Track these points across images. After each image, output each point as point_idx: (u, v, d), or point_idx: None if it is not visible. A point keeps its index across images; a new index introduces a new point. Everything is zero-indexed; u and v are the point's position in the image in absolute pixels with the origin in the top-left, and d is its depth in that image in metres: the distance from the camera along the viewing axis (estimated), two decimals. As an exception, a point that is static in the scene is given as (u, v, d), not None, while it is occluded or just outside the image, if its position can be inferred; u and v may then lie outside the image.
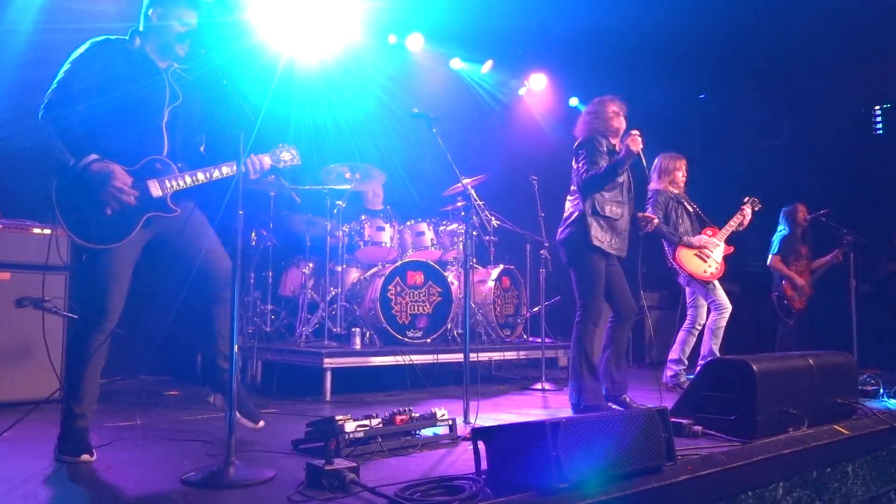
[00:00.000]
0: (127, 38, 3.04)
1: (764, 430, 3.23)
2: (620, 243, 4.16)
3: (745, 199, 5.46)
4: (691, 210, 5.31)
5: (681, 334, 5.26)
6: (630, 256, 4.27)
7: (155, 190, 2.94)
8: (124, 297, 2.96)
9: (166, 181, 2.97)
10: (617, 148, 4.18)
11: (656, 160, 5.35)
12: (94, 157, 2.79)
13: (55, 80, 2.87)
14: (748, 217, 5.36)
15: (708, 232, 5.26)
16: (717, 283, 5.15)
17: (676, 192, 5.32)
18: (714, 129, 9.35)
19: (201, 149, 3.29)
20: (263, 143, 3.16)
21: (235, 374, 2.67)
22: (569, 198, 4.27)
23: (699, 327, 5.20)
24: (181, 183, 3.00)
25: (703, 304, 5.20)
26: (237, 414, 3.19)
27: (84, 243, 2.84)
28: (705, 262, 5.11)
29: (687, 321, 5.28)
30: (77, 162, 2.77)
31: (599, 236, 4.05)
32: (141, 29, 3.07)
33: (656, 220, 4.34)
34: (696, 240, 5.17)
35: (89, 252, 2.87)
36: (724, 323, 5.09)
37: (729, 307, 5.09)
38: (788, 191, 6.53)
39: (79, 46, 2.95)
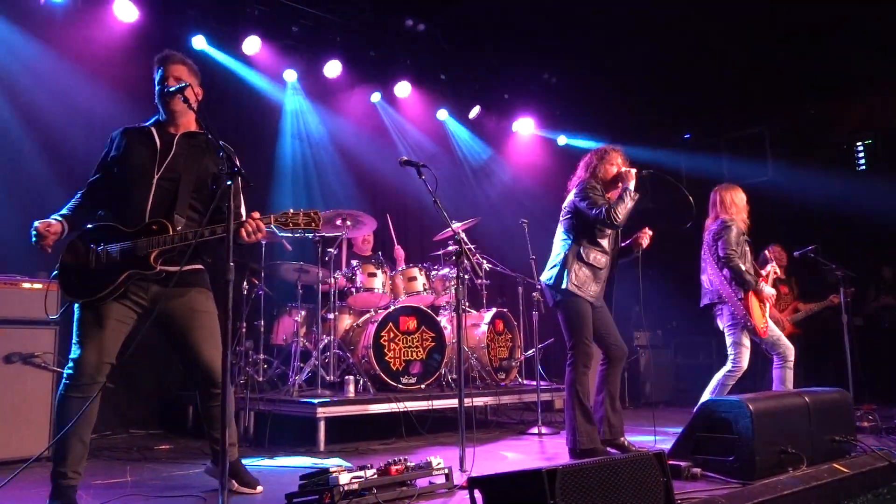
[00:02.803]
0: (150, 121, 3.20)
1: (763, 471, 3.21)
2: (598, 292, 4.15)
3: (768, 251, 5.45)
4: (750, 251, 5.03)
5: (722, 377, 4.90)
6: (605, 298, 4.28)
7: (140, 249, 2.94)
8: (105, 356, 2.91)
9: (153, 239, 2.94)
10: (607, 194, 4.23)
11: (715, 193, 5.07)
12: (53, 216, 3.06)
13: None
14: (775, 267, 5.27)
15: (763, 282, 5.00)
16: (776, 333, 4.93)
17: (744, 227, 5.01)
18: (699, 167, 9.47)
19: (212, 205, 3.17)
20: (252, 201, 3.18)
21: (229, 426, 2.64)
22: (557, 240, 4.29)
23: (739, 373, 4.85)
24: (167, 241, 2.93)
25: (748, 346, 4.89)
26: (235, 483, 3.21)
27: (71, 298, 2.99)
28: (763, 315, 4.87)
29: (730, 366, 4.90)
30: None
31: (577, 282, 4.06)
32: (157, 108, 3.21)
33: (649, 234, 4.19)
34: (768, 290, 4.89)
35: (72, 306, 2.98)
36: (733, 382, 4.93)
37: (743, 370, 4.89)
38: (774, 228, 6.60)
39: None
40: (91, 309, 2.93)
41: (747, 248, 4.98)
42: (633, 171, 4.12)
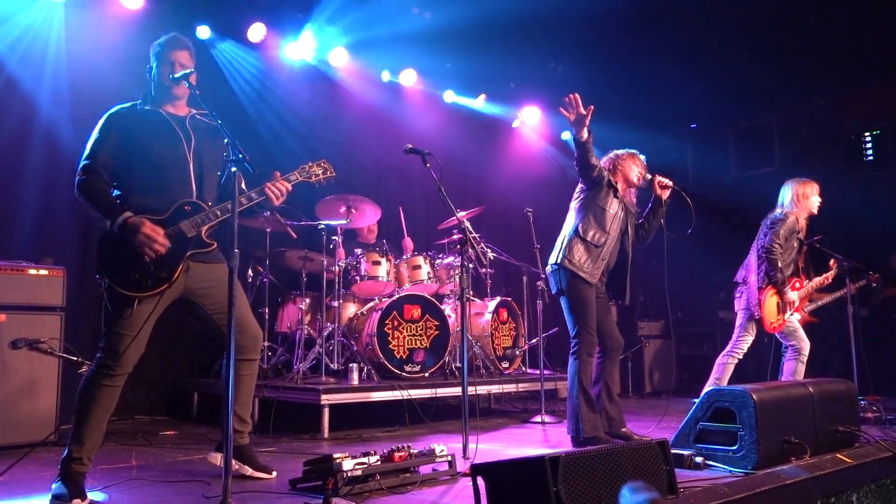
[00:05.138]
0: (139, 101, 3.16)
1: (766, 461, 3.21)
2: (594, 270, 4.12)
3: (833, 262, 5.29)
4: (798, 248, 5.07)
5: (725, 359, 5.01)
6: (620, 277, 4.30)
7: (189, 230, 3.01)
8: (142, 347, 2.97)
9: (197, 218, 3.04)
10: (621, 191, 4.25)
11: (787, 186, 5.12)
12: (127, 214, 2.89)
13: (82, 156, 3.01)
14: (830, 279, 5.24)
15: (797, 284, 5.06)
16: (755, 332, 4.99)
17: (805, 221, 5.06)
18: (706, 158, 9.43)
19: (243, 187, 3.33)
20: (258, 179, 3.20)
21: (232, 414, 2.65)
22: (565, 222, 4.33)
23: (737, 357, 4.93)
24: (212, 217, 3.07)
25: (752, 334, 4.99)
26: (249, 469, 3.25)
27: (130, 293, 2.88)
28: (778, 315, 4.92)
29: (730, 347, 5.03)
30: (113, 224, 2.88)
31: (570, 256, 4.08)
32: (151, 90, 3.18)
33: (661, 181, 4.23)
34: (791, 296, 4.94)
35: (120, 299, 2.88)
36: (734, 363, 4.96)
37: (742, 354, 4.95)
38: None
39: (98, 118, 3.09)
40: (145, 302, 2.91)
41: (794, 244, 5.02)
42: (639, 171, 4.26)
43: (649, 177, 4.28)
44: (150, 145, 3.04)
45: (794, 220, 4.98)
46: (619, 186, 4.25)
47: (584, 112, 3.87)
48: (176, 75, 3.09)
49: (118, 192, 3.01)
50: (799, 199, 5.05)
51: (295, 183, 3.29)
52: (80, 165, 2.99)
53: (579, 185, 4.30)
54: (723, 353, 5.03)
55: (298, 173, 3.33)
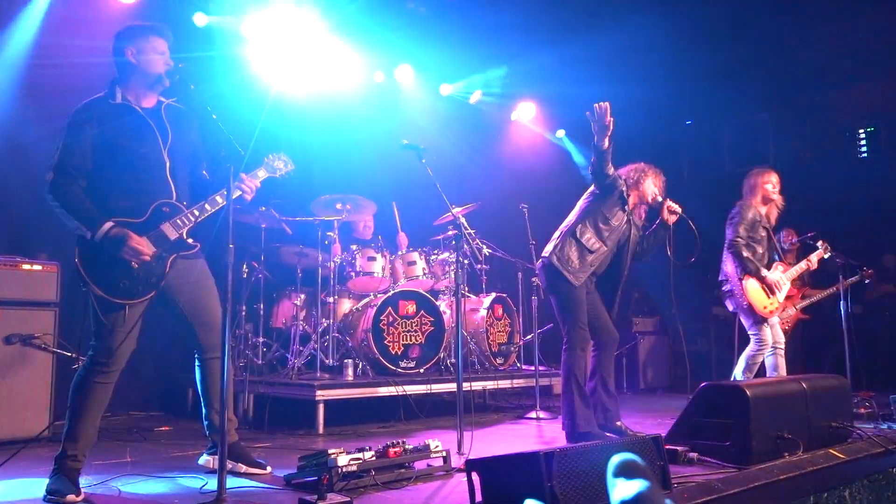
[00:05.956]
0: (106, 92, 3.06)
1: (759, 456, 3.22)
2: (580, 273, 4.08)
3: (821, 242, 5.29)
4: (768, 236, 5.07)
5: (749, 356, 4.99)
6: (610, 290, 4.29)
7: (171, 232, 3.00)
8: (134, 342, 2.97)
9: (178, 220, 3.02)
10: (630, 205, 4.24)
11: (745, 180, 5.16)
12: (109, 225, 2.85)
13: (53, 159, 2.91)
14: (815, 262, 5.23)
15: (780, 267, 5.06)
16: (773, 320, 4.98)
17: (767, 211, 5.07)
18: (701, 153, 9.45)
19: (204, 173, 3.31)
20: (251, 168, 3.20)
21: (229, 409, 2.65)
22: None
23: (765, 349, 4.93)
24: (192, 218, 3.05)
25: (768, 325, 4.96)
26: (243, 466, 3.26)
27: (122, 301, 2.88)
28: (769, 298, 4.91)
29: (753, 346, 4.99)
30: (94, 235, 2.84)
31: (559, 254, 4.07)
32: (125, 79, 3.08)
33: (670, 206, 4.19)
34: (772, 276, 4.92)
35: (112, 306, 2.87)
36: (760, 359, 4.94)
37: (769, 345, 4.92)
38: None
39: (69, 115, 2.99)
40: (137, 306, 2.92)
41: (763, 234, 5.02)
42: (656, 190, 4.24)
43: (660, 199, 4.25)
44: (126, 145, 2.97)
45: (754, 212, 4.99)
46: (631, 200, 4.23)
47: (609, 121, 3.85)
48: (171, 70, 3.05)
49: (92, 193, 2.92)
50: (752, 190, 5.08)
51: (263, 179, 3.29)
52: (53, 165, 2.89)
53: (591, 187, 4.28)
54: (747, 352, 4.99)
55: (264, 168, 3.32)
